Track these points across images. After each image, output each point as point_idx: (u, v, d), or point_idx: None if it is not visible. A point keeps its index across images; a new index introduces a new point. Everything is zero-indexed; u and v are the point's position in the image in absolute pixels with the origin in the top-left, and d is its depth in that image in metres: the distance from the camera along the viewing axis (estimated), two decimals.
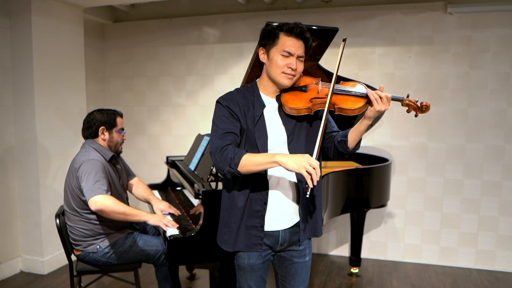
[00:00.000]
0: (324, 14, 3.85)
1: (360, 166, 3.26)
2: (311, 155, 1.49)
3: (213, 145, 1.57)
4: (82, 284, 2.57)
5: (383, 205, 3.33)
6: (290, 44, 1.58)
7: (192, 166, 2.80)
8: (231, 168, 1.51)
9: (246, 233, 1.65)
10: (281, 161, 1.44)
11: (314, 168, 1.39)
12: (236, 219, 1.66)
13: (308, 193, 1.42)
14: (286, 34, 1.58)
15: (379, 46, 3.78)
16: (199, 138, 3.08)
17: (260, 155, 1.52)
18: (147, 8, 4.44)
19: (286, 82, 1.61)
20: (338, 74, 1.67)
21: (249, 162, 1.49)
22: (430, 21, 3.63)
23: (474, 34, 3.55)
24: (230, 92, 1.69)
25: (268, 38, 1.60)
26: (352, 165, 3.33)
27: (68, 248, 2.38)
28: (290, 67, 1.58)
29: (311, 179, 1.38)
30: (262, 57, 1.64)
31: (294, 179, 1.67)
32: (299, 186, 1.66)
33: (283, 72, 1.59)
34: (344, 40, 1.62)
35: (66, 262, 3.52)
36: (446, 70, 3.65)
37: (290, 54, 1.58)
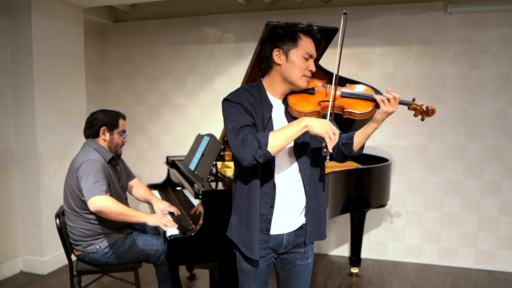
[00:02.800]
0: (324, 14, 3.85)
1: (360, 166, 3.26)
2: (315, 158, 1.60)
3: (232, 140, 1.48)
4: (82, 284, 2.57)
5: (383, 205, 3.33)
6: (310, 46, 1.56)
7: (192, 166, 2.80)
8: (262, 150, 1.43)
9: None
10: (309, 125, 1.45)
11: (334, 134, 1.44)
12: (256, 222, 1.60)
13: (328, 157, 1.46)
14: (305, 35, 1.56)
15: (379, 46, 3.78)
16: (199, 138, 3.08)
17: (286, 127, 1.48)
18: (147, 8, 4.44)
19: (305, 84, 1.59)
20: (343, 75, 1.66)
21: (278, 138, 1.44)
22: (430, 21, 3.63)
23: (474, 34, 3.55)
24: (237, 90, 1.62)
25: (288, 39, 1.55)
26: (352, 165, 3.33)
27: (68, 248, 2.38)
28: (310, 70, 1.57)
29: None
30: (278, 58, 1.56)
31: (300, 182, 1.65)
32: (306, 189, 1.65)
33: (303, 75, 1.57)
34: (345, 13, 1.50)
35: (66, 262, 3.51)
36: (446, 70, 3.65)
37: (311, 57, 1.57)
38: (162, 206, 2.52)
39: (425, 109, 1.59)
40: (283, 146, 1.46)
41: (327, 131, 1.43)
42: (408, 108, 1.62)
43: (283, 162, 1.62)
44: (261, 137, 1.44)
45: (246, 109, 1.54)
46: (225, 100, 1.58)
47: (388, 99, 1.53)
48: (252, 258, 1.62)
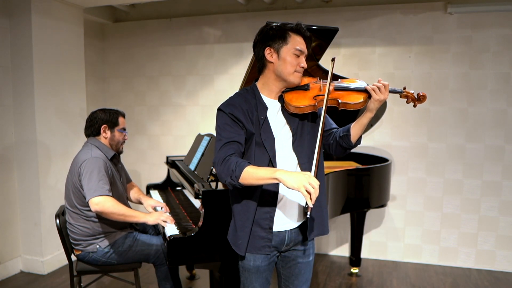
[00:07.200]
0: (324, 14, 3.85)
1: (360, 166, 3.26)
2: (314, 151, 1.54)
3: (215, 154, 1.55)
4: (82, 284, 2.57)
5: (383, 205, 3.33)
6: (300, 43, 1.60)
7: (192, 166, 2.80)
8: (232, 180, 1.48)
9: (255, 235, 1.64)
10: (281, 178, 1.39)
11: (313, 188, 1.35)
12: (249, 222, 1.63)
13: (309, 213, 1.37)
14: (295, 33, 1.60)
15: (379, 46, 3.78)
16: (199, 138, 3.08)
17: (261, 169, 1.47)
18: (147, 8, 4.44)
19: (298, 80, 1.62)
20: (337, 73, 1.69)
21: (250, 176, 1.46)
22: (430, 21, 3.63)
23: (474, 34, 3.55)
24: (231, 98, 1.66)
25: (278, 38, 1.59)
26: (352, 165, 3.33)
27: (68, 248, 2.38)
28: (302, 66, 1.61)
29: (310, 198, 1.34)
30: (270, 57, 1.61)
31: None
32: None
33: (295, 71, 1.60)
34: (333, 60, 1.62)
35: (66, 262, 3.52)
36: (446, 70, 3.65)
37: (301, 53, 1.60)
38: (152, 202, 2.59)
39: (416, 96, 1.70)
40: (253, 184, 1.48)
41: (304, 185, 1.34)
42: (400, 96, 1.71)
43: (283, 158, 1.63)
44: (236, 167, 1.47)
45: (237, 119, 1.58)
46: (218, 110, 1.63)
47: (378, 88, 1.60)
48: (239, 253, 1.67)
